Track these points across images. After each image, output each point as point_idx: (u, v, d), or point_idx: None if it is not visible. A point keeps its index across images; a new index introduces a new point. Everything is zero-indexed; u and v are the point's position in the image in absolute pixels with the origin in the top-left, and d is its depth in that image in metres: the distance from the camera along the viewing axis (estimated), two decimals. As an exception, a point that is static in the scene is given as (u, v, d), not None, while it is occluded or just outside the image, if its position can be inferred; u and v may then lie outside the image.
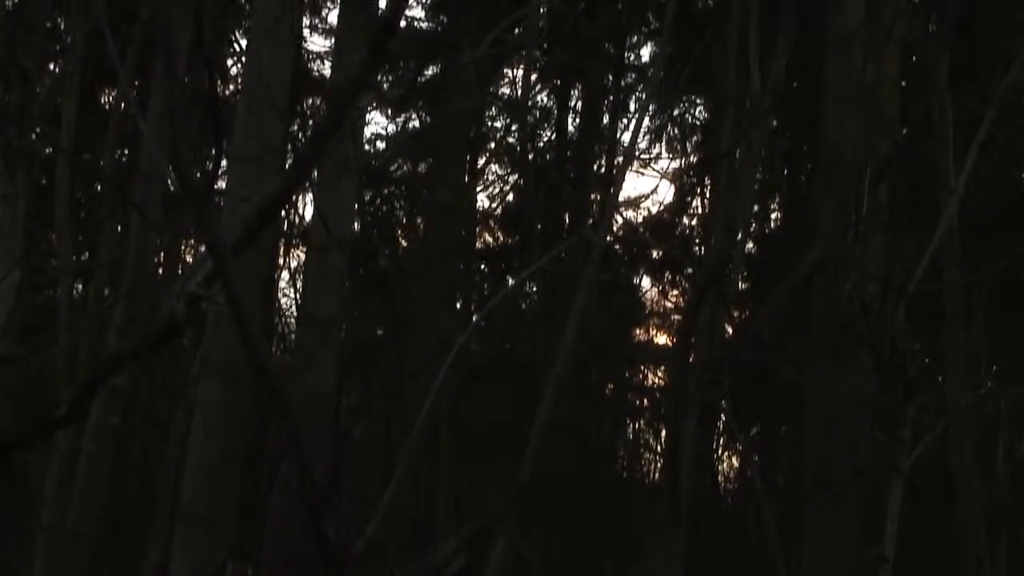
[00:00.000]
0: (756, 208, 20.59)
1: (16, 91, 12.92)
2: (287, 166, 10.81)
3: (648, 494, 23.16)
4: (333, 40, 17.15)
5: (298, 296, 21.13)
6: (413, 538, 17.24)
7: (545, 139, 22.99)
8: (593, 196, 21.27)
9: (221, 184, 11.53)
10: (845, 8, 12.61)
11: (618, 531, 20.62)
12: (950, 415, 11.25)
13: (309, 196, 19.69)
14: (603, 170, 21.83)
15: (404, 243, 23.74)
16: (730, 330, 13.11)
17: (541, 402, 7.76)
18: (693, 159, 23.23)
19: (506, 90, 22.89)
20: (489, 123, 23.13)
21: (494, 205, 23.72)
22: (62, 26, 17.65)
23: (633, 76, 22.54)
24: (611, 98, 22.26)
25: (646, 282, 24.48)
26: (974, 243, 13.38)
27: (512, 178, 23.35)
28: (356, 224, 14.63)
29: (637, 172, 22.77)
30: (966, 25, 13.81)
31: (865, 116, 12.30)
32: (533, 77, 20.56)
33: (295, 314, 20.80)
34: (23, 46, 13.05)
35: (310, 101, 20.90)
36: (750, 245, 20.42)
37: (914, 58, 14.63)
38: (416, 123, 23.37)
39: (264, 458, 17.35)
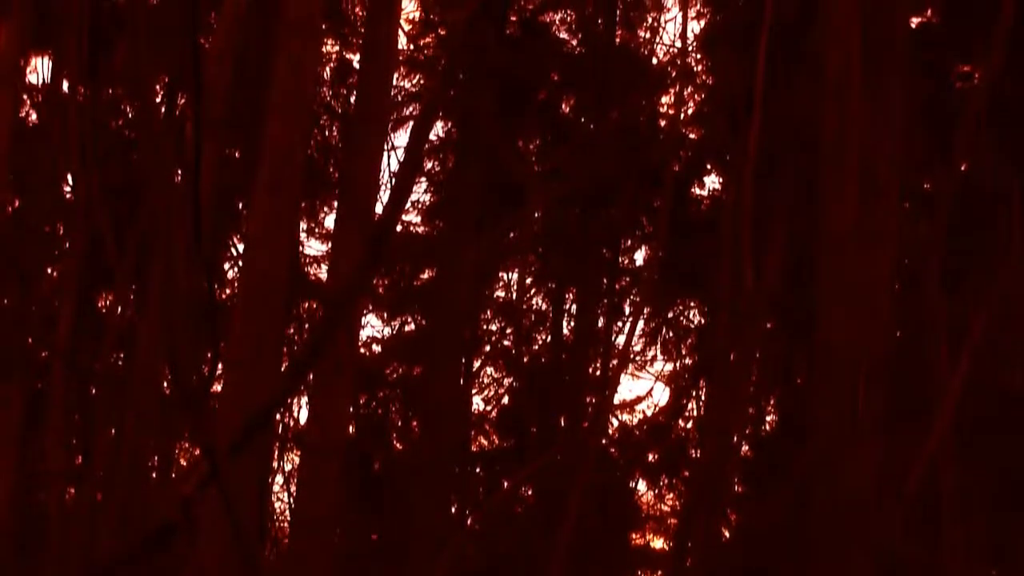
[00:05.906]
0: (751, 409, 20.57)
1: (13, 293, 12.99)
2: (283, 370, 10.84)
3: None
4: (330, 244, 17.27)
5: (292, 499, 21.00)
6: None
7: (540, 342, 23.05)
8: (588, 399, 21.25)
9: (217, 387, 11.53)
10: (838, 208, 12.71)
11: None
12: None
13: (304, 399, 19.69)
14: (598, 373, 21.85)
15: (399, 446, 23.65)
16: (727, 533, 13.04)
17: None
18: (688, 361, 23.28)
19: (501, 293, 23.03)
20: (484, 326, 23.20)
21: (489, 408, 23.68)
22: (61, 230, 17.80)
23: (627, 279, 22.69)
24: (606, 301, 22.36)
25: (642, 485, 24.36)
26: (970, 443, 13.34)
27: (507, 381, 23.34)
28: (351, 427, 14.60)
29: (632, 375, 22.79)
30: (959, 226, 13.94)
31: (860, 316, 12.34)
32: (528, 280, 20.72)
33: (289, 517, 20.64)
34: (22, 249, 13.15)
35: (307, 304, 20.99)
36: (745, 447, 20.36)
37: (906, 260, 14.74)
38: (411, 326, 23.44)
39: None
